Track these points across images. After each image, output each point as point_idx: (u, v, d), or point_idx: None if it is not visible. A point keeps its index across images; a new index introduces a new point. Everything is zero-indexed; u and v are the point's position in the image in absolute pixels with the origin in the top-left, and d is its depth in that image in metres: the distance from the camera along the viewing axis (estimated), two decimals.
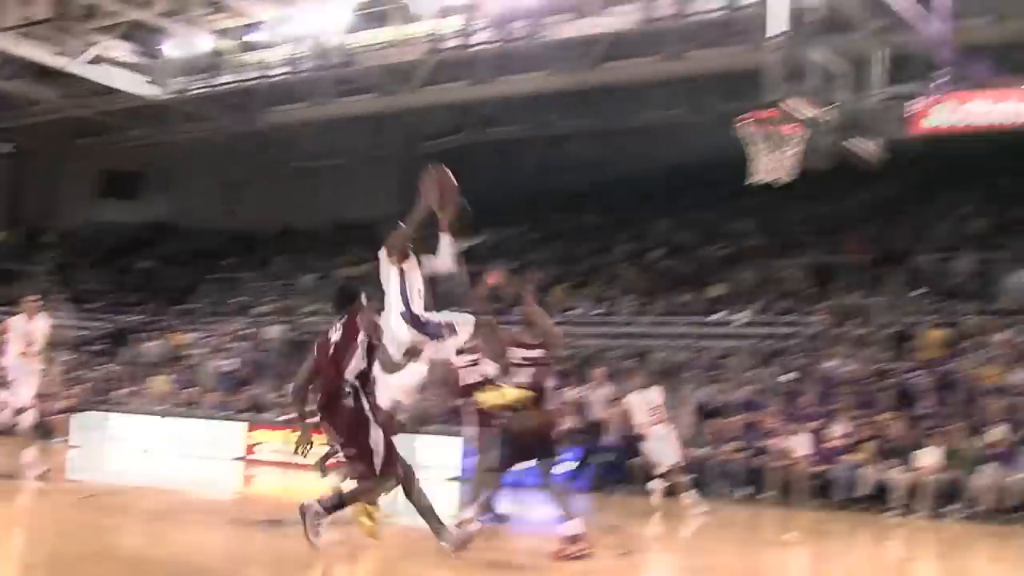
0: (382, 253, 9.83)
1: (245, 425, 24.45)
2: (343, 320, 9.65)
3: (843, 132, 11.96)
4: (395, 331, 9.56)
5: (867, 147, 12.82)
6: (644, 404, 16.66)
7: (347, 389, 9.37)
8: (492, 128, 38.14)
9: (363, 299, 9.79)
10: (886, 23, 12.48)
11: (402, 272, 9.78)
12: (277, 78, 31.70)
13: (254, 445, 23.94)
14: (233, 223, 43.44)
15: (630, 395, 17.19)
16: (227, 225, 43.55)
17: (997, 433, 17.94)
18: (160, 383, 28.91)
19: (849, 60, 12.43)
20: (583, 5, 26.76)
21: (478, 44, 27.89)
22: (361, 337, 9.47)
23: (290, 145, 40.52)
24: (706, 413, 21.38)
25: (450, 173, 10.16)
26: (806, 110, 10.96)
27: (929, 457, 18.01)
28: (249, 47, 31.74)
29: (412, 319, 9.57)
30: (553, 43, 28.04)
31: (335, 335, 9.60)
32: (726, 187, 31.49)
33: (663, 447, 16.53)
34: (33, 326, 15.58)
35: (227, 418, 25.29)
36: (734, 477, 19.54)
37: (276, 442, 23.31)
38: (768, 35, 10.95)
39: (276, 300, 35.53)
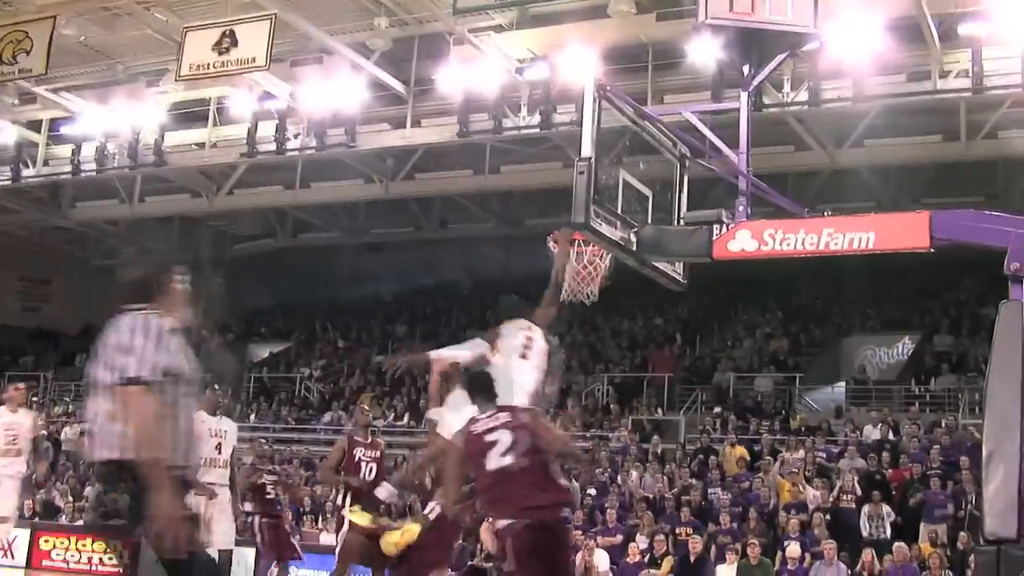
0: (528, 329, 8.76)
1: (29, 531, 23.25)
2: (502, 419, 7.72)
3: (649, 254, 12.20)
4: None
5: (673, 269, 13.11)
6: None
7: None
8: (305, 234, 38.03)
9: None
10: (689, 149, 12.88)
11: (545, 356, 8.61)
12: (86, 174, 30.98)
13: (46, 551, 22.87)
14: (33, 319, 42.12)
15: None
16: (27, 321, 42.20)
17: (793, 549, 18.30)
18: None
19: (655, 184, 12.75)
20: (399, 116, 26.98)
21: (293, 150, 27.81)
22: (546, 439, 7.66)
23: (97, 242, 39.67)
24: None
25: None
26: (612, 231, 11.17)
27: (726, 572, 18.26)
28: (60, 140, 31.06)
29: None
30: (368, 152, 28.20)
31: (500, 436, 7.63)
32: (535, 301, 31.84)
33: None
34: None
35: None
36: None
37: (66, 549, 22.39)
38: (578, 155, 11.15)
39: (76, 400, 34.42)
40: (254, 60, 23.65)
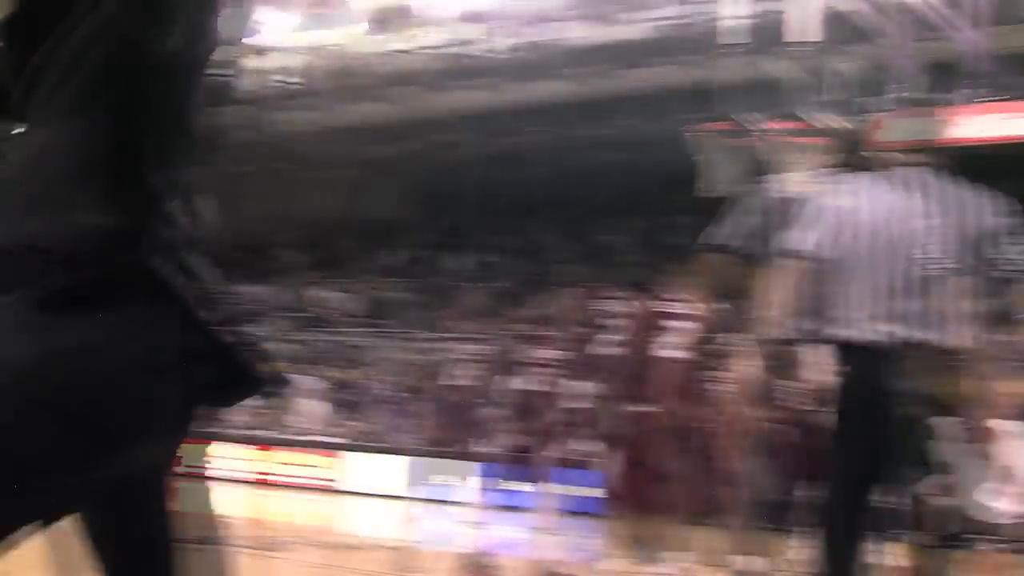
0: None
1: None
2: None
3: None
4: None
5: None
6: None
7: None
8: (502, 138, 37.61)
9: None
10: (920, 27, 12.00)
11: None
12: (289, 85, 31.07)
13: None
14: None
15: None
16: None
17: None
18: None
19: (875, 69, 11.96)
20: (597, 14, 26.38)
21: (490, 52, 27.46)
22: None
23: (296, 151, 39.95)
24: None
25: None
26: (831, 123, 10.46)
27: None
28: (257, 51, 31.24)
29: None
30: (567, 50, 27.64)
31: None
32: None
33: None
34: None
35: None
36: None
37: None
38: (789, 42, 10.42)
39: None
40: None
